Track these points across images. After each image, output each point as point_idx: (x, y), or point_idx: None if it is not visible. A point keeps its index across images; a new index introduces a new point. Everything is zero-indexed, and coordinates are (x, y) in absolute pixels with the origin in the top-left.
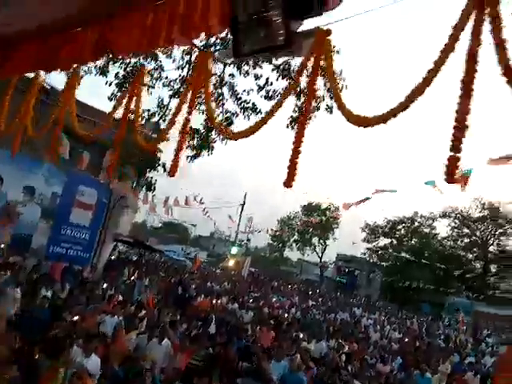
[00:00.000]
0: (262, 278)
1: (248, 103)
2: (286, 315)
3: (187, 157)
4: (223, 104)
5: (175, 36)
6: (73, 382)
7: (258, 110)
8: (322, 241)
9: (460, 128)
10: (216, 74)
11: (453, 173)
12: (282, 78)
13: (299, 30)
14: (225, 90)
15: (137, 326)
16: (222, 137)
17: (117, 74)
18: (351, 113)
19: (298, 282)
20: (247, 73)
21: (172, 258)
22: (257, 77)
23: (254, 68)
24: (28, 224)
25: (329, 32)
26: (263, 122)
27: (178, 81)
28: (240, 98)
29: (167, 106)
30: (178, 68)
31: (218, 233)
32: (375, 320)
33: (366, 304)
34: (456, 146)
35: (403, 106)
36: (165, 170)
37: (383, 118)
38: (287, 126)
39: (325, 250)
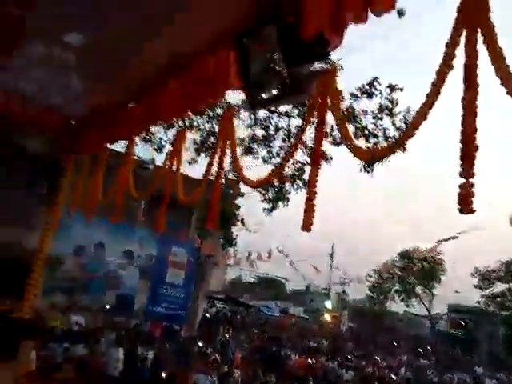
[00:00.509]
0: (363, 333)
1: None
2: (394, 376)
3: (263, 209)
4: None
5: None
6: None
7: (328, 156)
8: (427, 290)
9: (469, 149)
10: (283, 127)
11: (467, 202)
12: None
13: (307, 71)
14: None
15: None
16: (295, 187)
17: (195, 140)
18: (357, 147)
19: (406, 338)
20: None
21: (267, 314)
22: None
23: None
24: (130, 286)
25: (334, 72)
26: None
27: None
28: (310, 147)
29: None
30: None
31: (313, 286)
32: (500, 380)
33: (488, 361)
34: (467, 171)
35: (408, 135)
36: (243, 225)
37: (390, 150)
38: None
39: (432, 300)
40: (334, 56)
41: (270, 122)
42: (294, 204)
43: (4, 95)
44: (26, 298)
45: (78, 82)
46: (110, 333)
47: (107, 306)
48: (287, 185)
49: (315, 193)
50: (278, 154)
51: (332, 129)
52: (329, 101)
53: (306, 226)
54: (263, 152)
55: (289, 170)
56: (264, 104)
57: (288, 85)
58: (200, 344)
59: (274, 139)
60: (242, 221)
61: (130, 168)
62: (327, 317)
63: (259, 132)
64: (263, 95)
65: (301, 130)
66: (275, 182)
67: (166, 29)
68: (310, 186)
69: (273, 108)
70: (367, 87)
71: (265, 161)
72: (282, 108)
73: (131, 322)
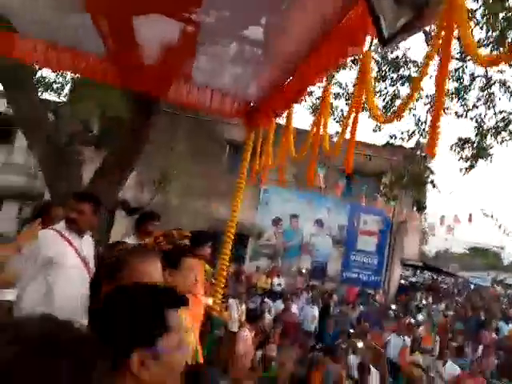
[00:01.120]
0: None
1: None
2: None
3: (460, 169)
4: (494, 105)
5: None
6: None
7: None
8: None
9: None
10: (480, 75)
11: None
12: None
13: None
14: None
15: (423, 349)
16: (499, 140)
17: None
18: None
19: None
20: None
21: (475, 285)
22: None
23: None
24: (322, 253)
25: None
26: None
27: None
28: None
29: (425, 122)
30: None
31: None
32: None
33: None
34: None
35: None
36: (434, 187)
37: None
38: None
39: None
40: None
41: (464, 72)
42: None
43: (203, 92)
44: (220, 268)
45: (251, 70)
46: (306, 294)
47: (303, 271)
48: (489, 138)
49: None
50: (475, 106)
51: None
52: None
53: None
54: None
55: (490, 121)
56: (396, 36)
57: (418, 10)
58: (393, 307)
59: (469, 90)
60: (433, 182)
61: (291, 134)
62: None
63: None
64: (393, 27)
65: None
66: (473, 137)
67: None
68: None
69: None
70: None
71: (459, 116)
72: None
73: (325, 285)
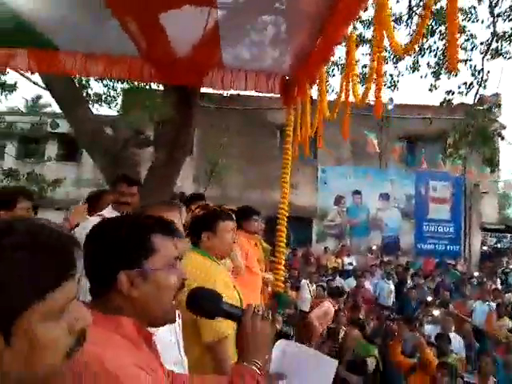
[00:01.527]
0: None
1: None
2: None
3: None
4: None
5: None
6: None
7: None
8: None
9: None
10: None
11: None
12: None
13: None
14: None
15: None
16: None
17: (428, 64)
18: None
19: None
20: None
21: None
22: None
23: None
24: (392, 227)
25: None
26: None
27: None
28: None
29: (482, 71)
30: None
31: None
32: None
33: None
34: None
35: None
36: (502, 139)
37: None
38: None
39: None
40: None
41: None
42: None
43: (237, 75)
44: (277, 245)
45: (279, 42)
46: (380, 270)
47: (373, 247)
48: None
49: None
50: None
51: None
52: None
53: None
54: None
55: None
56: None
57: None
58: (476, 274)
59: None
60: (501, 135)
61: (325, 95)
62: None
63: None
64: None
65: None
66: None
67: None
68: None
69: None
70: None
71: None
72: None
73: (399, 259)
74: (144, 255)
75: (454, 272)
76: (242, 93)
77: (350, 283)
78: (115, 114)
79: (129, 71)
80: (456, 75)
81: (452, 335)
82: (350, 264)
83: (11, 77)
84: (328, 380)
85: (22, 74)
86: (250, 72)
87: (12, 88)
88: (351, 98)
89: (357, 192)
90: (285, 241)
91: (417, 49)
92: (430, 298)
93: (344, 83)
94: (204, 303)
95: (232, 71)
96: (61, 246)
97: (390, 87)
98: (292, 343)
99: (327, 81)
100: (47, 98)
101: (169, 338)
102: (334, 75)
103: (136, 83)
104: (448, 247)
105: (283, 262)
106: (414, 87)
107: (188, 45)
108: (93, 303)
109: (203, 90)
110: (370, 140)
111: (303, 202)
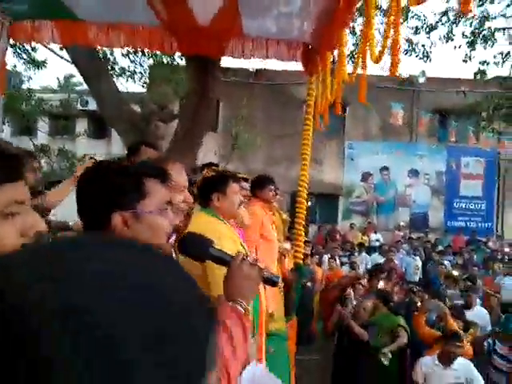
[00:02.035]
0: None
1: None
2: None
3: None
4: None
5: None
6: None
7: None
8: None
9: None
10: None
11: None
12: None
13: None
14: None
15: None
16: None
17: (463, 34)
18: None
19: None
20: None
21: None
22: None
23: None
24: (421, 204)
25: None
26: None
27: None
28: None
29: None
30: None
31: None
32: None
33: None
34: None
35: None
36: None
37: None
38: None
39: None
40: None
41: None
42: None
43: (258, 43)
44: (297, 217)
45: (298, 8)
46: (407, 245)
47: (401, 224)
48: None
49: None
50: None
51: None
52: None
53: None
54: None
55: None
56: None
57: None
58: (507, 250)
59: None
60: None
61: (344, 57)
62: None
63: None
64: None
65: None
66: None
67: None
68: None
69: None
70: None
71: None
72: None
73: (428, 236)
74: (137, 198)
75: (483, 249)
76: (269, 67)
77: (375, 259)
78: (142, 90)
79: (149, 42)
80: (492, 45)
81: (477, 309)
82: (377, 241)
83: (41, 54)
84: None
85: (48, 48)
86: (271, 40)
87: (41, 64)
88: (368, 60)
89: (385, 168)
90: (304, 213)
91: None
92: (455, 273)
93: (361, 44)
94: (194, 247)
95: (253, 40)
96: (3, 153)
97: (421, 58)
98: (261, 369)
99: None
100: (79, 76)
101: None
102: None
103: (162, 58)
104: (480, 224)
105: (303, 234)
106: (447, 59)
107: (208, 14)
108: None
109: (228, 64)
110: (395, 112)
111: (329, 178)
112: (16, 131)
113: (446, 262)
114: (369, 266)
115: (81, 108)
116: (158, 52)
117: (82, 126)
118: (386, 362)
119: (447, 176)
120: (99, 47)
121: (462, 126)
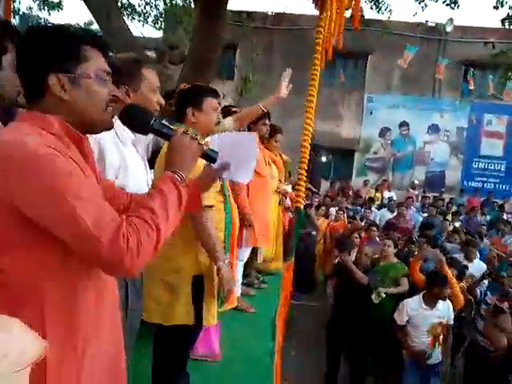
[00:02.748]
0: None
1: None
2: None
3: None
4: None
5: None
6: None
7: None
8: None
9: None
10: None
11: None
12: None
13: None
14: None
15: None
16: None
17: None
18: None
19: None
20: None
21: None
22: None
23: None
24: (439, 162)
25: None
26: None
27: None
28: None
29: None
30: None
31: None
32: None
33: None
34: None
35: None
36: None
37: None
38: None
39: None
40: None
41: None
42: None
43: None
44: (300, 167)
45: None
46: (418, 204)
47: (416, 182)
48: None
49: None
50: None
51: None
52: None
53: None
54: None
55: None
56: None
57: None
58: None
59: None
60: None
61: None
62: None
63: None
64: None
65: None
66: None
67: None
68: None
69: None
70: None
71: None
72: None
73: (443, 196)
74: (74, 61)
75: (495, 211)
76: (288, 11)
77: (383, 214)
78: (158, 35)
79: None
80: None
81: (476, 262)
82: (390, 198)
83: None
84: (253, 151)
85: None
86: None
87: (56, 6)
88: None
89: (404, 123)
90: (308, 157)
91: None
92: (457, 224)
93: None
94: (135, 119)
95: None
96: None
97: (448, 5)
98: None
99: None
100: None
101: (112, 141)
102: None
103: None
104: (497, 186)
105: (305, 179)
106: (477, 5)
107: None
108: (29, 106)
109: (245, 7)
110: (405, 54)
111: (347, 133)
112: None
113: (456, 224)
114: (377, 221)
115: None
116: None
117: None
118: (375, 301)
119: (468, 133)
120: None
121: (486, 78)
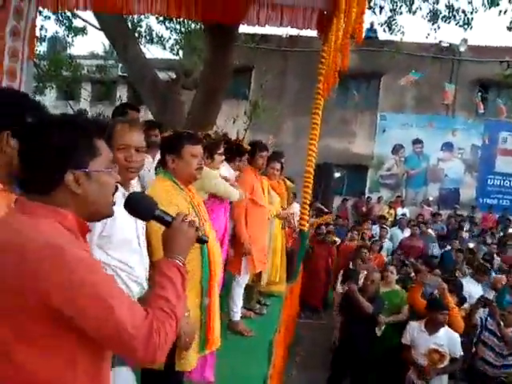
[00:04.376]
0: None
1: None
2: None
3: None
4: None
5: None
6: None
7: None
8: None
9: None
10: None
11: None
12: None
13: None
14: None
15: None
16: None
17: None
18: None
19: None
20: None
21: None
22: None
23: None
24: (453, 178)
25: None
26: None
27: None
28: None
29: None
30: None
31: None
32: None
33: None
34: None
35: None
36: None
37: None
38: None
39: None
40: None
41: None
42: None
43: (274, 11)
44: (304, 191)
45: None
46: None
47: (430, 199)
48: None
49: None
50: None
51: None
52: None
53: None
54: None
55: None
56: None
57: None
58: None
59: None
60: None
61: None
62: None
63: None
64: None
65: None
66: None
67: None
68: None
69: None
70: None
71: None
72: None
73: (456, 213)
74: (89, 157)
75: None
76: (303, 33)
77: (395, 233)
78: (173, 57)
79: (168, 8)
80: None
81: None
82: (404, 215)
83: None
84: None
85: (80, 18)
86: (286, 7)
87: (80, 31)
88: None
89: (418, 141)
90: (312, 181)
91: None
92: (472, 245)
93: None
94: (139, 207)
95: (267, 7)
96: None
97: (462, 26)
98: None
99: None
100: None
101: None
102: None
103: (192, 26)
104: None
105: (308, 202)
106: (490, 26)
107: None
108: (31, 197)
109: (260, 31)
110: (409, 76)
111: (360, 150)
112: (60, 96)
113: (471, 245)
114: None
115: (120, 74)
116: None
117: (122, 92)
118: (378, 333)
119: (483, 151)
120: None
121: (501, 99)
